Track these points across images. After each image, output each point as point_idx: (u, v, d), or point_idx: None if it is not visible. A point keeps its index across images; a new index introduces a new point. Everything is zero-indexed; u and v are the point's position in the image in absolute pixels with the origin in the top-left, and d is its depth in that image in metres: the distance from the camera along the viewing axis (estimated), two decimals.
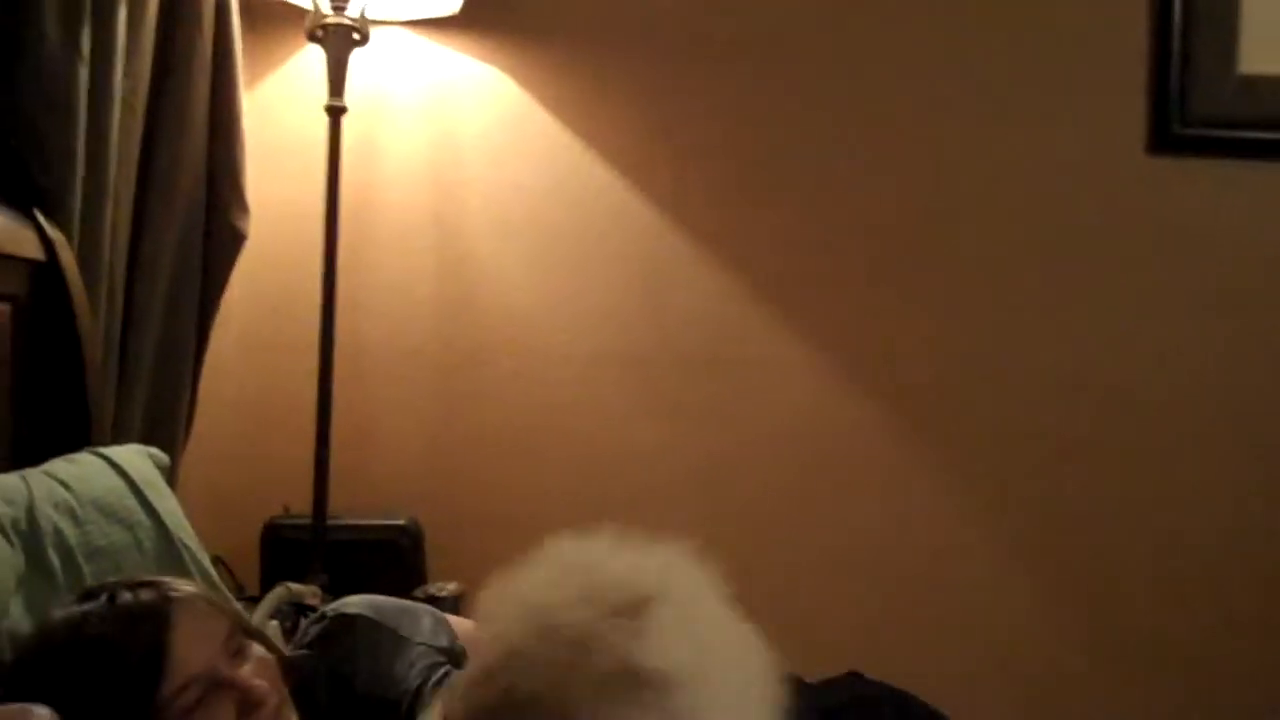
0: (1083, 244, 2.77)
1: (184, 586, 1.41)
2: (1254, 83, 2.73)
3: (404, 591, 2.46)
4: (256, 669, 1.37)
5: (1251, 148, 2.74)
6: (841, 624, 2.72)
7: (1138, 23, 2.75)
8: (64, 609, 1.37)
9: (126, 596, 1.35)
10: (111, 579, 1.44)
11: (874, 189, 2.79)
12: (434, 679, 1.53)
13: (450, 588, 2.45)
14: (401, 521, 2.64)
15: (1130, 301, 2.77)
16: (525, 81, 2.79)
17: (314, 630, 1.59)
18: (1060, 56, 2.76)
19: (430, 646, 1.58)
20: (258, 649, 1.41)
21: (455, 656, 1.59)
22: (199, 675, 1.30)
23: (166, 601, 1.34)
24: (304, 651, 1.58)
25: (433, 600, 2.40)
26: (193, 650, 1.31)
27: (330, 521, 2.56)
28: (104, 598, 1.36)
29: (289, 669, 1.54)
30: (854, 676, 1.72)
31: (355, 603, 1.62)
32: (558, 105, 2.78)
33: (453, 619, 1.70)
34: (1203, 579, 2.75)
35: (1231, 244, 2.76)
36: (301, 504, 2.58)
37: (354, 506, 2.64)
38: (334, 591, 2.44)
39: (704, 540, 2.75)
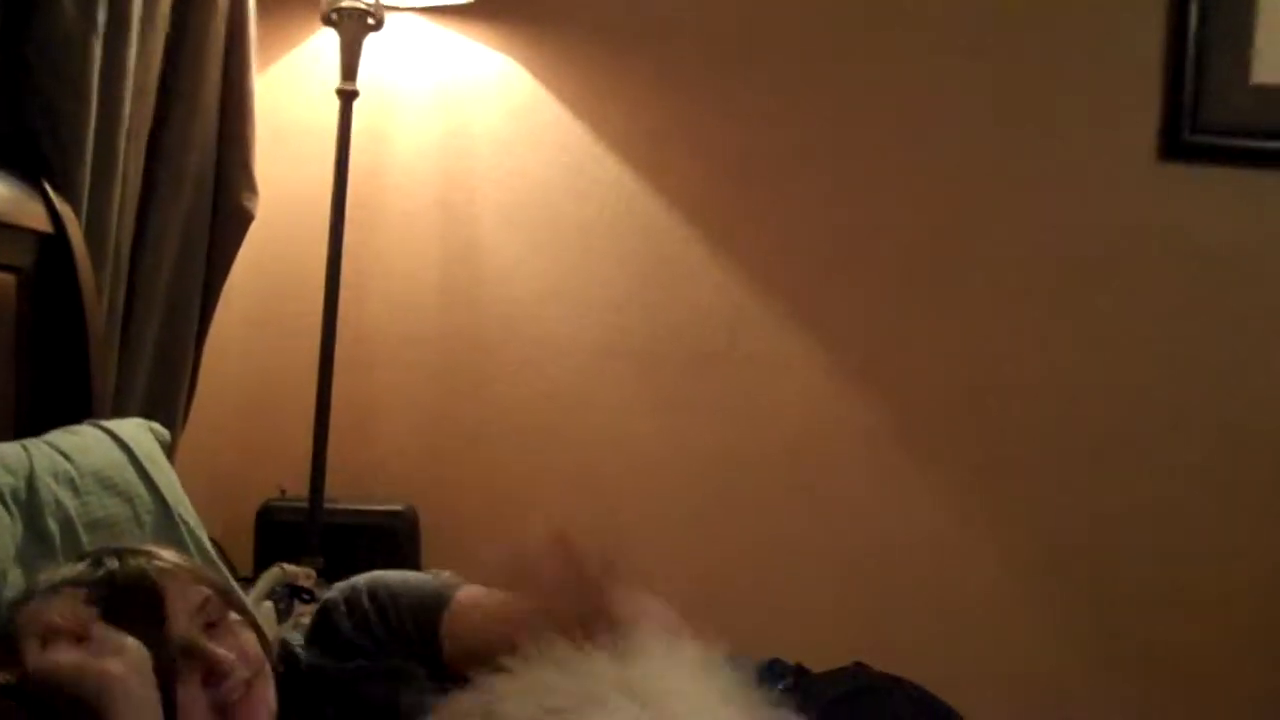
0: (1092, 250, 2.77)
1: (165, 554, 1.41)
2: (1267, 92, 2.72)
3: None
4: (230, 641, 1.35)
5: (1263, 157, 2.74)
6: (841, 622, 2.72)
7: (1152, 31, 2.75)
8: (52, 575, 1.37)
9: (114, 564, 1.35)
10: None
11: (884, 191, 2.79)
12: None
13: (445, 575, 2.44)
14: (398, 507, 2.63)
15: (1139, 308, 2.76)
16: (538, 72, 2.78)
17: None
18: (1074, 63, 2.76)
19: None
20: (237, 620, 1.39)
21: None
22: (170, 641, 1.29)
23: (153, 570, 1.34)
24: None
25: None
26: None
27: (326, 505, 2.56)
28: (88, 563, 1.36)
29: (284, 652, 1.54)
30: (859, 666, 1.72)
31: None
32: (569, 96, 2.78)
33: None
34: (1207, 589, 2.74)
35: (1241, 252, 2.75)
36: (298, 487, 2.58)
37: (351, 491, 2.64)
38: (328, 576, 2.44)
39: (704, 536, 2.78)
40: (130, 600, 1.30)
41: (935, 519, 2.78)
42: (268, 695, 1.37)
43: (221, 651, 1.31)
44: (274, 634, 1.86)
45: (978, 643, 2.74)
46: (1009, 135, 2.78)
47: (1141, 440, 2.77)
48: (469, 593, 1.55)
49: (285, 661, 1.53)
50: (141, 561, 1.36)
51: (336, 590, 1.57)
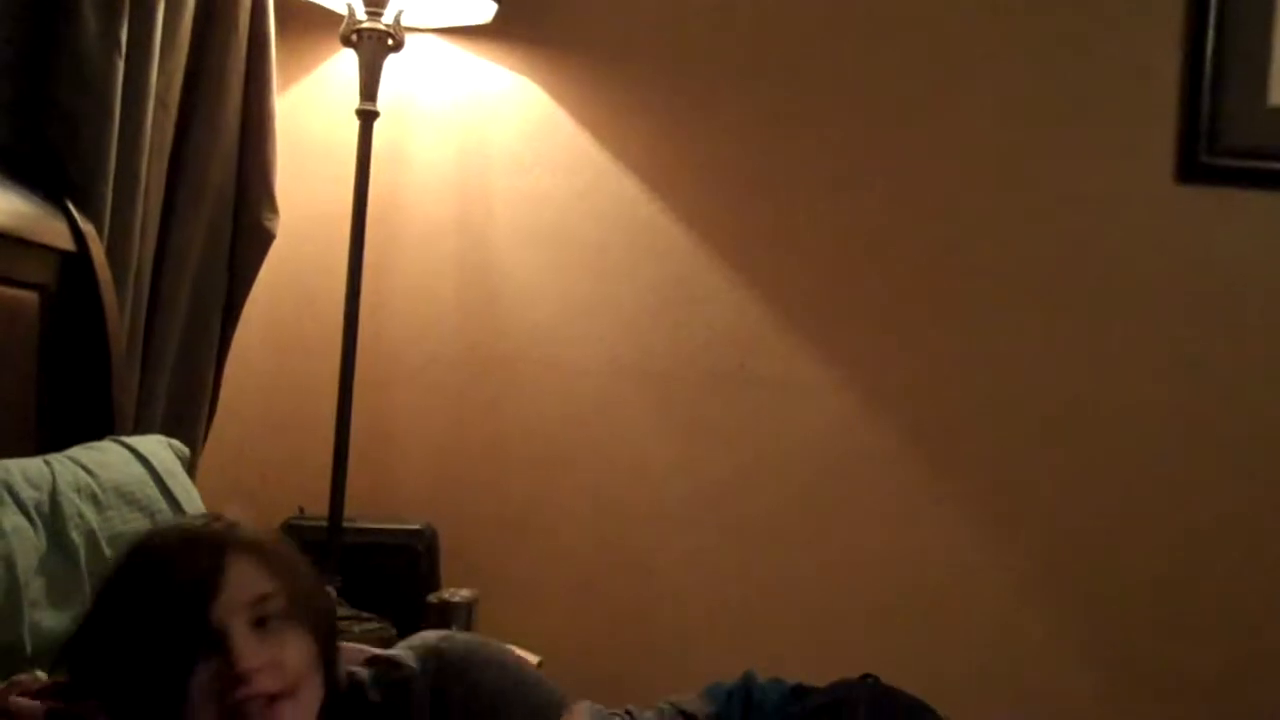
0: (1109, 271, 2.76)
1: (257, 531, 1.33)
2: None
3: (418, 596, 2.47)
4: (271, 647, 1.23)
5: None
6: (852, 642, 2.71)
7: (1169, 53, 2.75)
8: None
9: (200, 523, 1.32)
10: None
11: (901, 211, 2.79)
12: None
13: (464, 593, 2.45)
14: (417, 526, 2.64)
15: (1156, 328, 2.75)
16: (555, 92, 2.80)
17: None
18: (1091, 85, 2.76)
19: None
20: (295, 629, 1.26)
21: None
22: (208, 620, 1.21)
23: (232, 539, 1.27)
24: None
25: (446, 605, 2.41)
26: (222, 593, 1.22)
27: (346, 524, 2.56)
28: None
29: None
30: (865, 679, 1.71)
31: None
32: (587, 117, 2.79)
33: None
34: (1215, 610, 2.73)
35: (1258, 274, 2.75)
36: (318, 507, 2.58)
37: (370, 510, 2.64)
38: (348, 594, 2.45)
39: (720, 554, 2.78)
40: (193, 563, 1.23)
41: (952, 539, 2.77)
42: (297, 716, 1.24)
43: (248, 651, 1.20)
44: None
45: (994, 662, 2.73)
46: (1026, 157, 2.78)
47: (1158, 460, 2.75)
48: None
49: (353, 697, 1.39)
50: (224, 529, 1.29)
51: (421, 662, 1.40)
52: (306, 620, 1.29)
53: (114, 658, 1.22)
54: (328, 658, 1.33)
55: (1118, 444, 2.76)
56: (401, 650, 1.43)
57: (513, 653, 1.50)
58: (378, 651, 1.44)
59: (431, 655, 1.40)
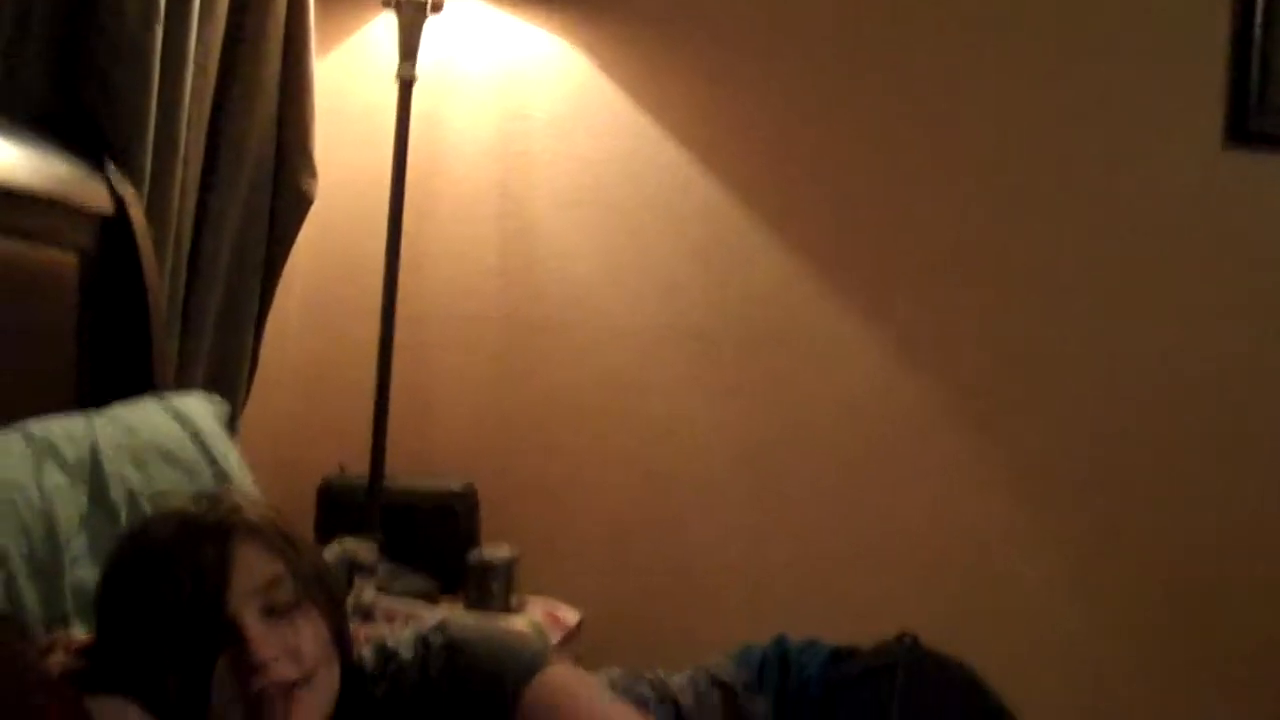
0: (1156, 237, 2.73)
1: (264, 514, 1.30)
2: None
3: (458, 554, 2.49)
4: (285, 633, 1.22)
5: None
6: (888, 604, 2.70)
7: (1218, 15, 2.70)
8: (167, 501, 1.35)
9: (203, 508, 1.28)
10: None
11: (942, 172, 2.77)
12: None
13: (504, 551, 2.47)
14: (457, 485, 2.65)
15: (1201, 297, 2.72)
16: (595, 55, 2.79)
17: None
18: (1139, 48, 2.72)
19: None
20: (307, 611, 1.25)
21: None
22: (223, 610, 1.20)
23: (231, 526, 1.25)
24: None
25: (486, 563, 2.43)
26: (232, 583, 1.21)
27: (386, 483, 2.58)
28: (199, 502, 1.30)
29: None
30: (902, 639, 1.71)
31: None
32: (627, 80, 2.79)
33: None
34: (1260, 590, 2.69)
35: None
36: (358, 465, 2.60)
37: (409, 469, 2.67)
38: (388, 552, 2.48)
39: (759, 516, 2.78)
40: (198, 555, 1.21)
41: (993, 503, 2.76)
42: (315, 703, 1.23)
43: (263, 640, 1.20)
44: None
45: (1023, 625, 2.72)
46: (1071, 120, 2.74)
47: (1197, 429, 2.72)
48: (548, 683, 1.33)
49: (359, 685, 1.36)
50: (225, 513, 1.26)
51: (412, 651, 1.36)
52: (318, 600, 1.28)
53: (131, 659, 1.21)
54: (342, 638, 1.32)
55: (1160, 408, 2.74)
56: (404, 636, 1.40)
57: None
58: (385, 638, 1.41)
59: (419, 643, 1.36)
